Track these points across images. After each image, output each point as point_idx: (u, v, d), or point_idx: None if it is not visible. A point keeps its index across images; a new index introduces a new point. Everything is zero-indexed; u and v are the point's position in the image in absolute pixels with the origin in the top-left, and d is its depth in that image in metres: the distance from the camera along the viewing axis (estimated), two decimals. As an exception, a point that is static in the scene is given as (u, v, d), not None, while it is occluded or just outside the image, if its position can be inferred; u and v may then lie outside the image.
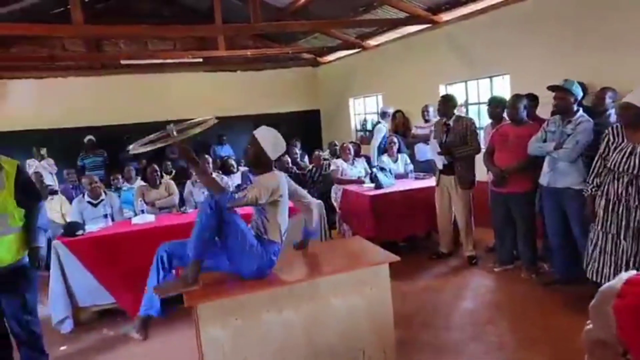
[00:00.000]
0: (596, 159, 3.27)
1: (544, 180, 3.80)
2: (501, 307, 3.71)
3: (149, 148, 2.47)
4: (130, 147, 2.54)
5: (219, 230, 2.47)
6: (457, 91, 6.55)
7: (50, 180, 7.01)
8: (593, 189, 3.28)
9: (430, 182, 4.96)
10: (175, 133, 2.49)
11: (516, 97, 4.14)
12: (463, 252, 4.76)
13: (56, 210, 5.52)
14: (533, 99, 4.37)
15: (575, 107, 3.64)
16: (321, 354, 2.62)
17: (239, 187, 2.46)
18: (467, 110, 6.53)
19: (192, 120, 2.63)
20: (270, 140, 2.63)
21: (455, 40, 6.25)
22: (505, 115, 4.40)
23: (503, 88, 5.72)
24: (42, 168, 6.94)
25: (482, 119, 6.26)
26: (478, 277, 4.38)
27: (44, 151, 7.46)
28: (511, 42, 5.32)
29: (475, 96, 6.37)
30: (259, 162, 2.63)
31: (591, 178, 3.30)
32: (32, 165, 7.34)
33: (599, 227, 3.23)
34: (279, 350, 2.54)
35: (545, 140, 3.75)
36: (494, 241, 4.83)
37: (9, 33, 7.25)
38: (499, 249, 4.47)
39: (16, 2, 6.71)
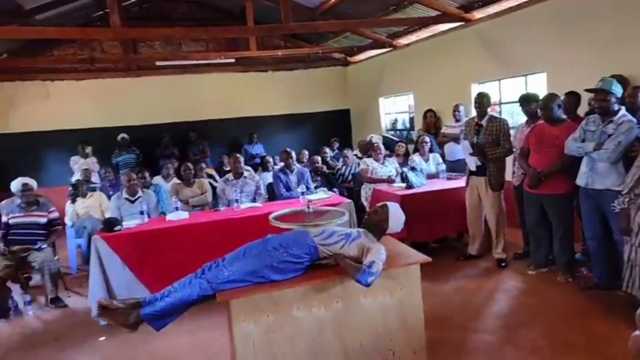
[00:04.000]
0: (634, 171, 3.14)
1: (581, 181, 3.68)
2: (535, 310, 3.62)
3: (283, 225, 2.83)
4: (271, 216, 2.93)
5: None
6: (490, 90, 6.42)
7: (95, 178, 7.28)
8: (629, 202, 3.16)
9: (462, 182, 4.89)
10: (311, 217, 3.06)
11: (549, 97, 4.02)
12: (493, 254, 4.68)
13: (95, 206, 5.72)
14: (575, 97, 4.24)
15: (616, 107, 3.51)
16: (351, 353, 2.63)
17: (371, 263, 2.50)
18: (500, 110, 6.41)
19: (330, 211, 3.25)
20: (397, 217, 2.89)
21: (488, 38, 6.13)
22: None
23: (539, 86, 5.58)
24: (86, 166, 7.19)
25: (515, 118, 6.13)
26: (511, 279, 4.29)
27: (89, 149, 7.74)
28: (547, 38, 5.18)
29: (509, 95, 6.23)
30: (377, 227, 2.85)
31: (626, 190, 3.18)
32: (77, 162, 7.63)
33: (637, 243, 3.12)
34: (309, 347, 2.57)
35: (584, 140, 3.64)
36: (523, 247, 4.75)
37: (51, 37, 7.58)
38: (533, 251, 4.37)
39: (60, 6, 6.98)
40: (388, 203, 2.96)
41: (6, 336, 3.93)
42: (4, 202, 5.04)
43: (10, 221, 4.59)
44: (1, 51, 7.94)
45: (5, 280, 4.33)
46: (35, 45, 8.44)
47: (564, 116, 4.02)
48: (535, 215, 4.16)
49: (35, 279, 4.71)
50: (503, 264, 4.58)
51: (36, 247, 4.48)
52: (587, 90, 3.68)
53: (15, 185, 4.66)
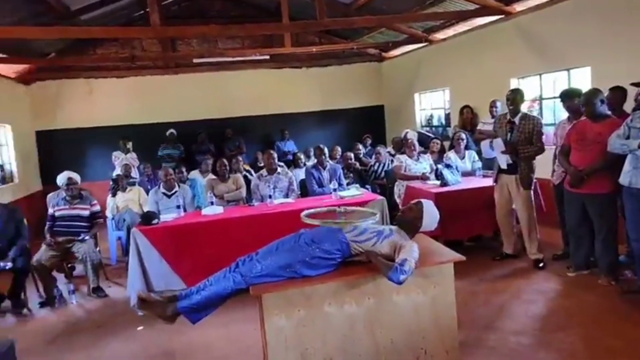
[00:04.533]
0: None
1: (625, 179, 3.52)
2: (574, 313, 3.50)
3: (315, 222, 2.83)
4: (302, 214, 2.94)
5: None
6: (530, 85, 6.23)
7: (134, 173, 7.54)
8: None
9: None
10: (342, 216, 3.08)
11: (592, 92, 3.86)
12: (528, 254, 4.54)
13: (134, 200, 5.91)
14: (621, 92, 4.05)
15: (664, 102, 3.34)
16: (382, 350, 2.62)
17: (403, 261, 2.46)
18: (541, 105, 6.20)
19: (358, 210, 3.27)
20: (431, 215, 2.85)
21: (529, 32, 5.93)
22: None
23: (583, 81, 5.36)
24: (126, 161, 7.47)
25: (557, 114, 5.92)
26: (549, 281, 4.16)
27: (129, 145, 8.04)
28: (592, 31, 4.97)
29: (550, 90, 6.02)
30: (411, 224, 2.83)
31: None
32: (118, 157, 7.92)
33: None
34: (340, 344, 2.58)
35: (628, 137, 3.48)
36: (563, 247, 4.59)
37: (97, 36, 7.86)
38: (573, 252, 4.21)
39: (104, 6, 7.25)
40: (422, 200, 2.93)
41: (52, 323, 4.13)
42: (50, 194, 5.29)
43: (56, 213, 4.81)
44: (49, 51, 8.31)
45: (51, 270, 4.56)
46: (79, 45, 8.79)
47: (608, 112, 3.85)
48: (576, 215, 4.01)
49: (79, 269, 4.92)
50: (540, 265, 4.44)
51: (79, 238, 4.68)
52: (633, 85, 3.51)
53: (61, 179, 4.88)
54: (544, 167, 4.62)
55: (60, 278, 4.75)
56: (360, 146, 7.84)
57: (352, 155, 6.81)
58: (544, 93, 6.15)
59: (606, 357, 2.88)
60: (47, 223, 4.81)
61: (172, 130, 8.63)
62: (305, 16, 7.89)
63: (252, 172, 6.83)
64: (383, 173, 6.61)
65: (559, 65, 5.61)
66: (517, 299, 3.85)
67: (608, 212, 3.84)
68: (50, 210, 4.87)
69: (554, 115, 6.01)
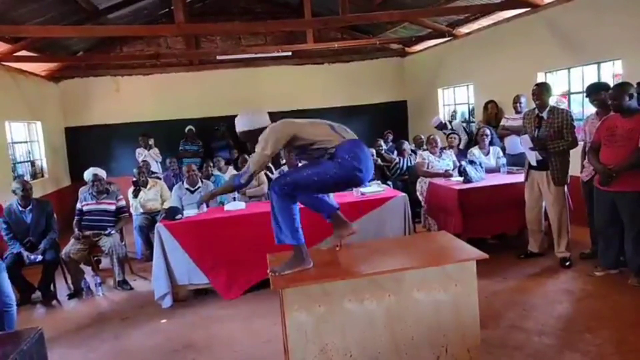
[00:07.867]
0: None
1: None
2: (602, 314, 3.40)
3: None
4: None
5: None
6: (558, 79, 6.07)
7: (156, 168, 7.66)
8: None
9: (523, 177, 4.66)
10: None
11: (619, 85, 3.73)
12: (555, 252, 4.43)
13: (156, 199, 5.92)
14: None
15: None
16: (402, 347, 2.61)
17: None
18: (569, 100, 6.03)
19: None
20: (250, 119, 2.69)
21: (557, 24, 5.77)
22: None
23: (614, 75, 5.19)
24: (150, 157, 7.60)
25: (585, 109, 5.75)
26: (576, 280, 4.06)
27: (151, 141, 8.18)
28: (624, 22, 4.79)
29: (579, 85, 5.84)
30: (250, 138, 2.69)
31: None
32: (141, 154, 8.07)
33: None
34: (360, 340, 2.57)
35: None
36: (591, 246, 4.47)
37: (123, 34, 8.02)
38: (602, 251, 4.09)
39: (130, 5, 7.38)
40: (237, 131, 2.77)
41: (79, 314, 4.26)
42: (82, 188, 5.42)
43: (84, 208, 4.94)
44: (77, 49, 8.51)
45: (79, 263, 4.69)
46: (106, 43, 8.98)
47: (639, 107, 3.71)
48: (606, 213, 3.89)
49: (105, 262, 5.05)
50: (567, 264, 4.33)
51: (106, 232, 4.80)
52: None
53: (87, 175, 5.01)
54: (572, 163, 4.49)
55: (87, 271, 4.88)
56: (382, 142, 7.78)
57: (373, 151, 6.77)
58: (572, 87, 5.98)
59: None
60: (76, 217, 4.94)
61: (190, 126, 8.74)
62: (328, 12, 7.87)
63: (273, 169, 6.87)
64: (406, 169, 6.55)
65: (588, 58, 5.44)
66: (542, 298, 3.77)
67: (639, 211, 3.71)
68: (79, 205, 5.00)
69: (582, 110, 5.84)
